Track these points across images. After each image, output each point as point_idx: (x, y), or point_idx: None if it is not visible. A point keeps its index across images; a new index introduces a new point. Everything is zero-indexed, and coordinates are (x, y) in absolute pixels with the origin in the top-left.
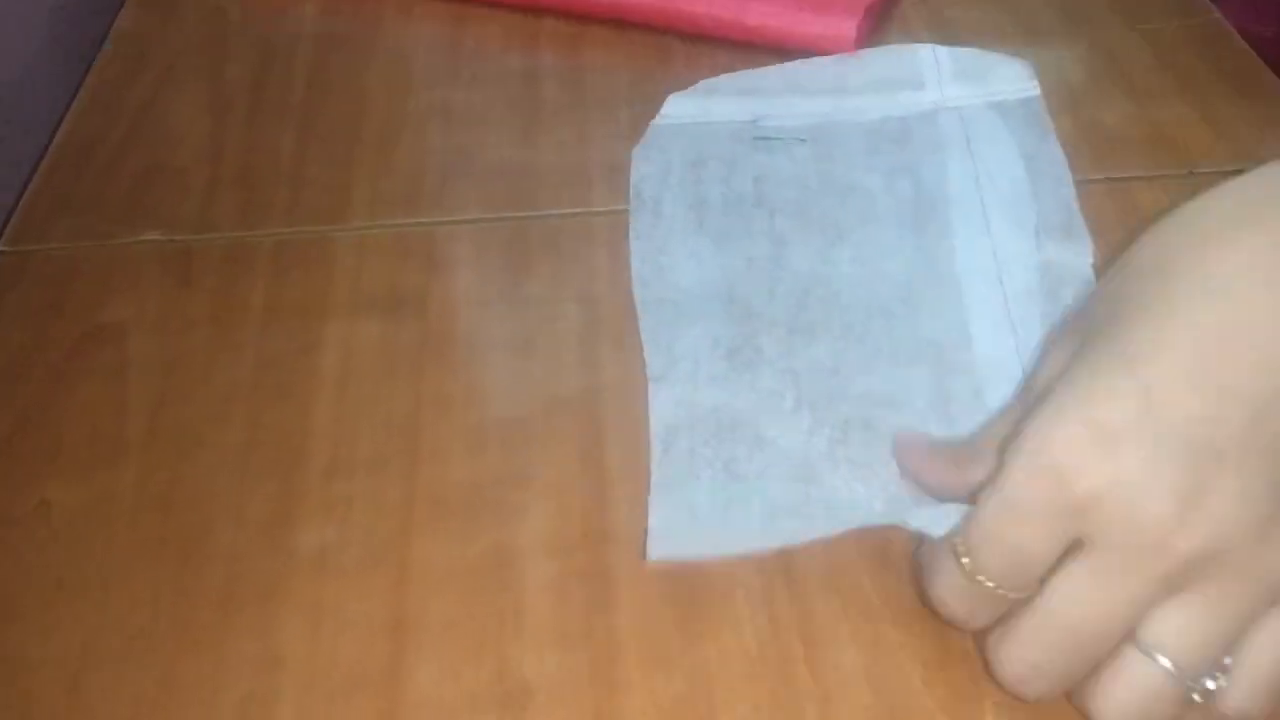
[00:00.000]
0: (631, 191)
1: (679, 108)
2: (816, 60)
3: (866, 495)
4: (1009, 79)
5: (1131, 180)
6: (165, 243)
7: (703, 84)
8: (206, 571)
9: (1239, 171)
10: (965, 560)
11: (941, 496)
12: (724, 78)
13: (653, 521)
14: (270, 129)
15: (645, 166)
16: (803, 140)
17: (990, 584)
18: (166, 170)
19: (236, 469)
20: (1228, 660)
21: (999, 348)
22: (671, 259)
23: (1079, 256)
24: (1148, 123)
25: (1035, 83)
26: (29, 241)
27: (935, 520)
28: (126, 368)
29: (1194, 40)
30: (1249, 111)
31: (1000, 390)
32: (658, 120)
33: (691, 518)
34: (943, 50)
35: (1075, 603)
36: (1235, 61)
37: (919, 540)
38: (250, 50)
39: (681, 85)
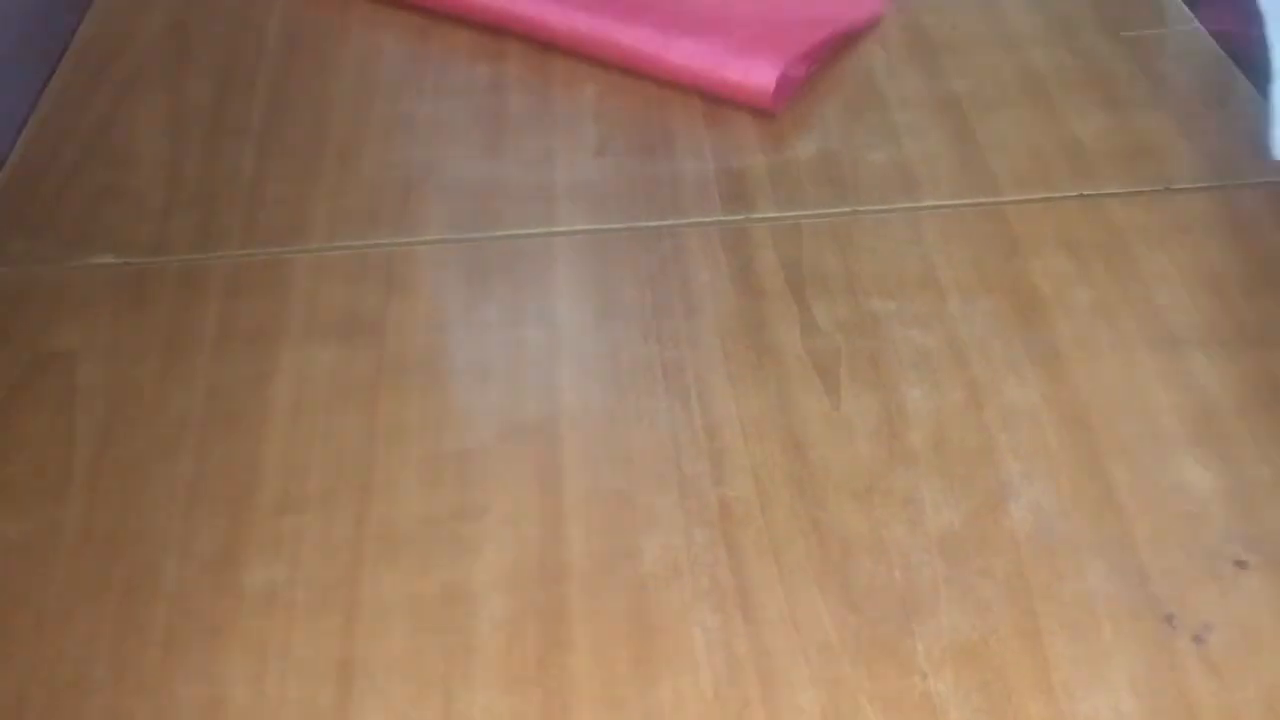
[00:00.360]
0: None
1: None
2: None
3: None
4: None
5: (1107, 196)
6: (118, 266)
7: None
8: (151, 610)
9: (1216, 188)
10: None
11: None
12: None
13: None
14: (229, 146)
15: None
16: None
17: None
18: (122, 191)
19: (184, 503)
20: None
21: None
22: None
23: None
24: (1126, 134)
25: None
26: None
27: None
28: (74, 397)
29: (1174, 49)
30: (1227, 124)
31: None
32: None
33: None
34: None
35: None
36: (1214, 71)
37: None
38: (211, 63)
39: (650, 99)
